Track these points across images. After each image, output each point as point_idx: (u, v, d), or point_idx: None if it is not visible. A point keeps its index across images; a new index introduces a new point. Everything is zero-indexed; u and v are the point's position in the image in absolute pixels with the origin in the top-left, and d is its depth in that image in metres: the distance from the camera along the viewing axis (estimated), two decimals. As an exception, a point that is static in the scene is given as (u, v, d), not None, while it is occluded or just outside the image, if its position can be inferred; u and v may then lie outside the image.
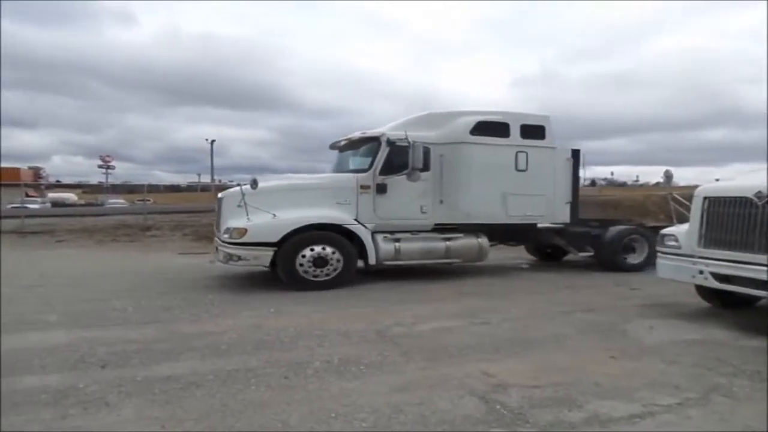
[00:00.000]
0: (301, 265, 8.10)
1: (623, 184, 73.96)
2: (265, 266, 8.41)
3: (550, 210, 10.14)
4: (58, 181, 56.68)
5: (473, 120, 9.54)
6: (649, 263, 9.90)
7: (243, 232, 8.00)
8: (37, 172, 54.19)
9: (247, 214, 8.06)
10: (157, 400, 3.83)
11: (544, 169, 9.97)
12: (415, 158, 8.68)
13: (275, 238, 8.05)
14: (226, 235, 8.14)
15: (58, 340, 5.34)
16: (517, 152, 9.75)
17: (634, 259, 10.47)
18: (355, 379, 4.24)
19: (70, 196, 47.96)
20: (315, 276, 8.17)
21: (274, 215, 8.13)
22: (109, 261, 12.26)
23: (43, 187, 44.24)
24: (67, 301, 7.36)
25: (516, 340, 5.41)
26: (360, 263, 8.79)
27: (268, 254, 8.08)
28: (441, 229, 9.40)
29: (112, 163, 58.01)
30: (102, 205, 39.12)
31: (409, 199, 9.08)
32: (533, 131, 9.95)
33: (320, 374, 4.37)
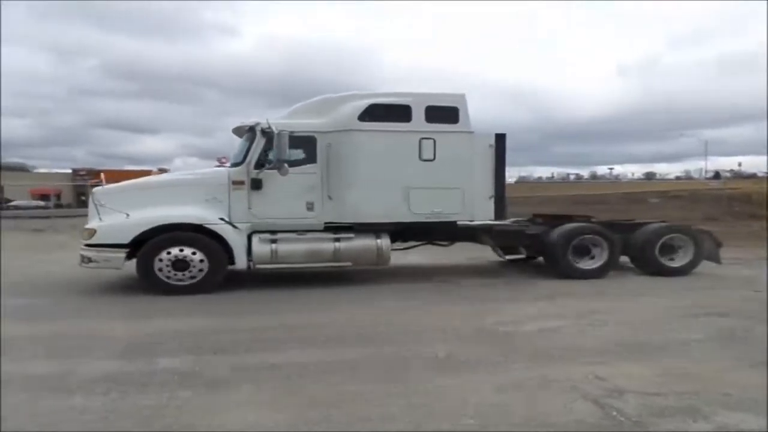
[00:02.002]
0: (161, 269, 7.51)
1: (753, 176, 66.57)
2: (119, 269, 7.78)
3: (468, 206, 8.48)
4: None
5: (363, 104, 8.20)
6: (608, 269, 8.82)
7: (92, 232, 7.57)
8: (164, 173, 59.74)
9: (99, 214, 7.64)
10: (265, 386, 4.03)
11: (458, 159, 8.39)
12: (281, 149, 7.68)
13: (126, 240, 7.49)
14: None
15: (179, 326, 5.81)
16: (421, 139, 8.25)
17: (588, 263, 8.84)
18: (455, 376, 4.20)
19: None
20: (178, 280, 7.56)
21: (128, 215, 7.59)
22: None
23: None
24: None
25: (630, 343, 5.06)
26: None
27: (119, 256, 7.52)
28: (336, 228, 8.24)
29: (227, 164, 62.38)
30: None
31: (292, 196, 8.06)
32: (443, 114, 8.38)
33: (419, 370, 4.36)
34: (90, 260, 7.54)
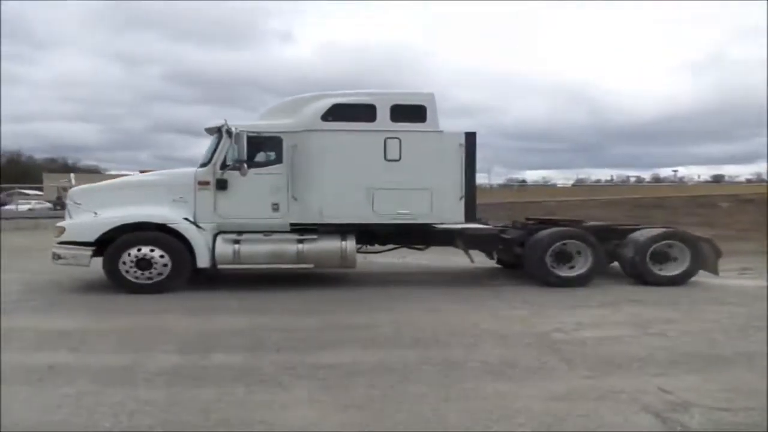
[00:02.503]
0: (126, 269, 7.59)
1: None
2: (86, 266, 7.82)
3: (436, 207, 8.11)
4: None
5: (327, 103, 8.06)
6: (591, 276, 8.26)
7: (62, 230, 7.82)
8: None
9: (69, 213, 7.98)
10: (323, 385, 4.12)
11: (425, 159, 8.08)
12: (239, 150, 7.70)
13: (91, 238, 7.63)
14: None
15: (241, 324, 6.00)
16: (386, 139, 7.99)
17: (568, 270, 8.28)
18: (512, 382, 4.14)
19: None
20: (144, 278, 7.64)
21: (95, 214, 7.80)
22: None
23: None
24: (246, 289, 8.18)
25: (698, 356, 4.82)
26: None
27: (85, 254, 7.66)
28: (302, 229, 8.11)
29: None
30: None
31: (257, 196, 7.99)
32: (409, 113, 8.11)
33: (476, 374, 4.33)
34: (60, 257, 7.77)
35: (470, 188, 8.27)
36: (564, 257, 8.28)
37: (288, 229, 8.07)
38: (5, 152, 63.91)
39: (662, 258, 8.45)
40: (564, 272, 8.22)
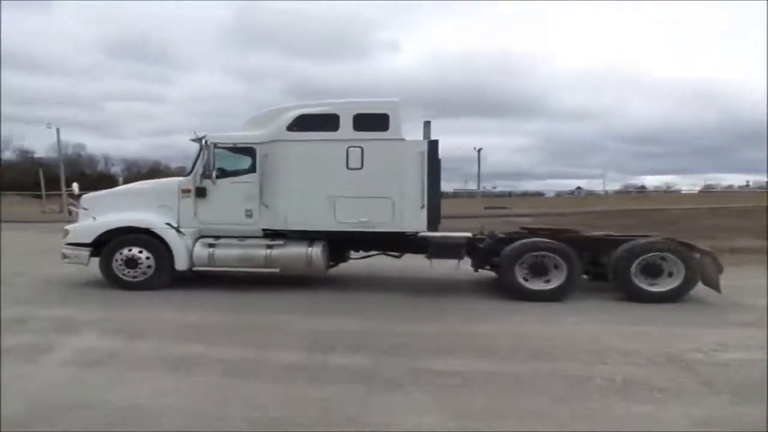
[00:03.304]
0: (117, 266, 8.32)
1: None
2: (85, 265, 8.57)
3: (398, 215, 7.98)
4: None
5: (293, 114, 8.23)
6: (566, 290, 7.62)
7: (66, 232, 8.63)
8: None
9: (77, 217, 8.83)
10: (441, 391, 4.10)
11: (387, 167, 7.99)
12: (209, 160, 8.16)
13: (88, 239, 8.42)
14: None
15: (355, 327, 6.16)
16: (348, 147, 8.01)
17: (543, 283, 7.71)
18: (646, 404, 3.83)
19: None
20: (133, 276, 8.31)
21: (94, 218, 8.62)
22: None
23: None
24: (355, 292, 8.37)
25: None
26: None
27: (84, 254, 8.44)
28: (274, 235, 8.37)
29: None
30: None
31: (233, 203, 8.36)
32: (372, 122, 8.03)
33: (603, 392, 4.07)
34: (65, 256, 8.61)
35: (433, 196, 8.12)
36: (540, 269, 7.79)
37: (260, 234, 8.42)
38: (149, 161, 71.77)
39: (654, 272, 7.61)
40: (537, 285, 7.75)
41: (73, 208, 9.25)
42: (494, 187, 70.73)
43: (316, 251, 8.17)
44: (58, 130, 44.36)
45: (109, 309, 7.02)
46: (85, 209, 8.96)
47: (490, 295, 8.02)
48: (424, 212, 8.02)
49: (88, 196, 9.34)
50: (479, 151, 63.41)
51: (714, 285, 7.51)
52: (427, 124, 8.80)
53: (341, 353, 5.09)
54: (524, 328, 6.10)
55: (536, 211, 29.60)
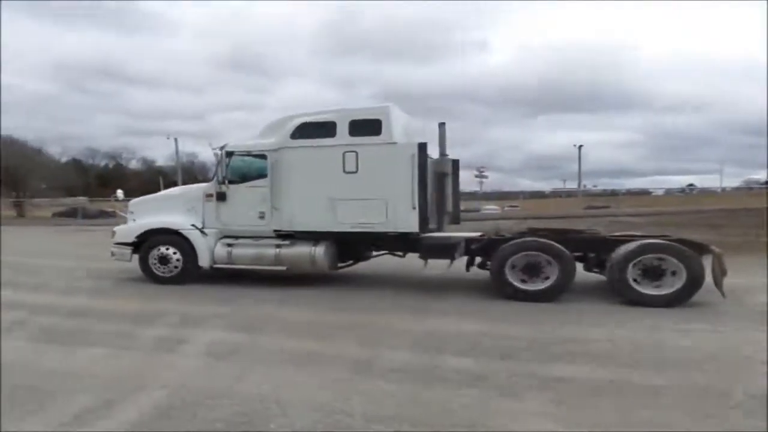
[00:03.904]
0: (153, 263, 9.37)
1: None
2: (128, 261, 9.66)
3: (391, 216, 8.27)
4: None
5: (296, 122, 8.80)
6: (556, 291, 7.52)
7: (113, 233, 9.89)
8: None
9: (126, 220, 10.08)
10: (556, 398, 3.98)
11: (380, 170, 8.30)
12: (221, 167, 9.08)
13: (130, 239, 9.58)
14: None
15: (464, 328, 6.12)
16: (344, 152, 8.42)
17: (531, 283, 7.65)
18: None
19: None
20: (164, 272, 9.32)
21: (134, 220, 9.83)
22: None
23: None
24: (460, 295, 8.24)
25: None
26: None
27: (127, 252, 9.60)
28: (284, 235, 8.94)
29: (486, 173, 63.71)
30: (478, 210, 43.37)
31: (249, 206, 9.06)
32: (366, 127, 8.38)
33: (748, 409, 3.73)
34: (113, 254, 9.82)
35: (423, 197, 8.25)
36: (533, 270, 7.70)
37: (272, 234, 9.00)
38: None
39: (654, 274, 7.21)
40: (528, 285, 7.68)
41: (119, 212, 10.54)
42: (595, 186, 67.30)
43: (319, 251, 8.69)
44: (176, 141, 48.53)
45: (228, 305, 7.53)
46: (132, 212, 10.16)
47: (602, 298, 7.61)
48: (416, 213, 8.21)
49: (134, 201, 10.54)
50: (580, 148, 60.60)
51: (719, 288, 7.11)
52: (441, 126, 9.31)
53: (453, 355, 5.09)
54: (629, 334, 5.74)
55: (644, 210, 27.64)
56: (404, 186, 8.24)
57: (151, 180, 57.80)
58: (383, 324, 6.40)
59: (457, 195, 9.85)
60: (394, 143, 8.32)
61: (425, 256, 8.59)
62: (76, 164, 66.77)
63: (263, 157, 9.01)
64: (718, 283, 7.11)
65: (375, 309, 7.22)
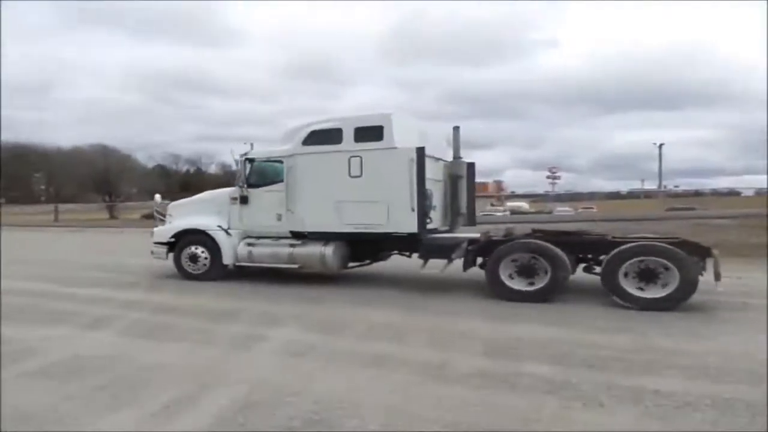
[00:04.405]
0: (185, 261, 10.17)
1: None
2: (165, 259, 10.53)
3: (392, 218, 8.59)
4: (513, 192, 64.28)
5: (307, 130, 9.33)
6: (548, 292, 7.56)
7: (152, 234, 10.78)
8: (499, 185, 63.04)
9: (164, 221, 10.99)
10: (650, 412, 3.72)
11: (382, 173, 8.65)
12: (241, 174, 9.81)
13: (165, 239, 10.43)
14: None
15: (545, 334, 5.90)
16: (350, 157, 8.85)
17: (524, 284, 7.78)
18: None
19: (523, 205, 53.66)
20: (194, 270, 10.10)
21: (170, 222, 10.75)
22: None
23: (502, 197, 51.22)
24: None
25: None
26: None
27: (163, 250, 10.45)
28: (298, 236, 9.49)
29: (558, 174, 61.68)
30: (550, 212, 42.10)
31: (268, 209, 9.64)
32: (369, 133, 8.75)
33: None
34: (152, 252, 10.67)
35: (421, 199, 8.47)
36: (528, 271, 7.78)
37: (289, 235, 9.57)
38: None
39: (648, 276, 7.11)
40: (521, 285, 7.78)
41: (156, 214, 11.66)
42: (677, 186, 63.40)
43: (329, 251, 9.11)
44: (252, 146, 50.42)
45: (304, 305, 7.69)
46: (170, 215, 11.06)
47: (690, 307, 7.11)
48: (415, 215, 8.46)
49: (172, 204, 11.52)
50: (660, 146, 57.23)
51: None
52: (456, 129, 9.72)
53: (530, 362, 4.90)
54: (742, 348, 5.29)
55: (731, 212, 25.56)
56: (404, 189, 8.51)
57: (228, 183, 60.51)
58: (458, 328, 6.28)
59: (472, 196, 10.28)
60: (395, 148, 8.60)
61: (425, 257, 8.83)
62: (161, 169, 71.34)
63: (280, 162, 9.62)
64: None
65: (450, 312, 7.11)
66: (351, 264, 9.68)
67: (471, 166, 10.06)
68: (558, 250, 7.62)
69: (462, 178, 9.80)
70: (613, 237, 7.95)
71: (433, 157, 9.19)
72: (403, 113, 9.29)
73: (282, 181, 9.56)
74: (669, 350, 5.22)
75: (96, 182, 62.69)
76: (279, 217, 9.64)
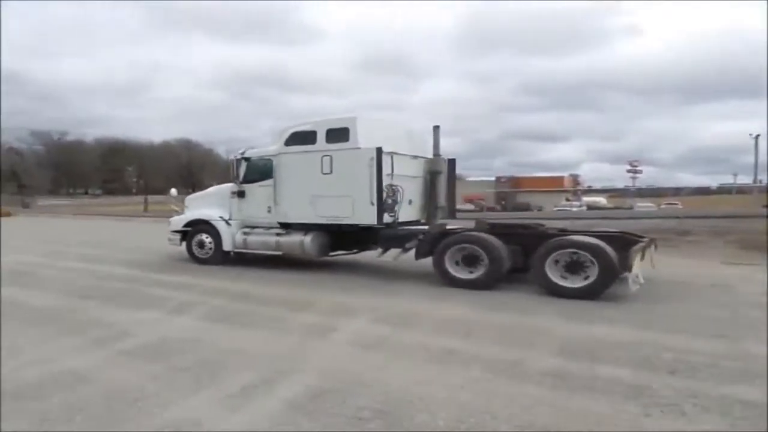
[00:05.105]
0: (194, 246, 11.72)
1: None
2: (179, 246, 12.13)
3: (356, 211, 9.49)
4: (589, 186, 61.65)
5: (288, 132, 10.26)
6: (485, 281, 8.23)
7: (169, 223, 12.43)
8: (575, 180, 60.64)
9: (180, 212, 12.55)
10: (738, 424, 3.48)
11: (348, 171, 9.52)
12: (237, 171, 11.11)
13: (178, 228, 12.06)
14: None
15: (623, 336, 5.64)
16: (322, 156, 9.75)
17: (464, 272, 8.54)
18: None
19: (601, 200, 51.27)
20: (201, 255, 11.60)
21: (183, 213, 12.30)
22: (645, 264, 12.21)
23: (579, 192, 49.27)
24: (625, 300, 7.69)
25: None
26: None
27: (177, 238, 12.11)
28: (285, 226, 10.52)
29: (639, 167, 58.42)
30: (631, 208, 40.04)
31: (260, 202, 10.78)
32: (338, 134, 9.63)
33: None
34: (169, 240, 12.29)
35: (379, 194, 9.21)
36: (471, 260, 8.50)
37: (277, 225, 10.64)
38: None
39: (573, 268, 7.69)
40: (463, 274, 8.54)
41: (173, 207, 13.39)
42: (776, 180, 58.27)
43: (307, 239, 10.10)
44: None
45: (377, 298, 7.79)
46: (187, 207, 12.56)
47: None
48: (374, 208, 9.23)
49: (189, 197, 13.11)
50: (756, 138, 52.77)
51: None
52: (435, 129, 10.63)
53: (609, 364, 4.71)
54: None
55: None
56: (365, 185, 9.30)
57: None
58: (534, 326, 6.13)
59: (453, 191, 11.15)
60: (358, 148, 9.38)
61: (383, 246, 9.80)
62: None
63: (270, 161, 10.64)
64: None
65: (528, 311, 6.94)
66: (334, 253, 10.64)
67: (452, 163, 10.99)
68: (494, 241, 8.32)
69: (440, 174, 10.65)
70: (549, 231, 8.79)
71: (409, 156, 10.21)
72: (369, 117, 10.15)
73: (272, 177, 10.57)
74: (761, 356, 4.83)
75: (181, 175, 66.63)
76: (269, 210, 10.73)
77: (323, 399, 4.02)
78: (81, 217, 40.21)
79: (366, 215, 9.39)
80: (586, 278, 7.54)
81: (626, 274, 7.40)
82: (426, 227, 9.85)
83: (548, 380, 4.35)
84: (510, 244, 8.37)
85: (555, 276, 7.74)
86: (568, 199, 45.81)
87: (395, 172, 9.66)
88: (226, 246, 11.22)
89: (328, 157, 9.75)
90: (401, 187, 9.79)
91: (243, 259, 11.28)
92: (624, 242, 7.97)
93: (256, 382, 4.39)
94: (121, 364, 4.96)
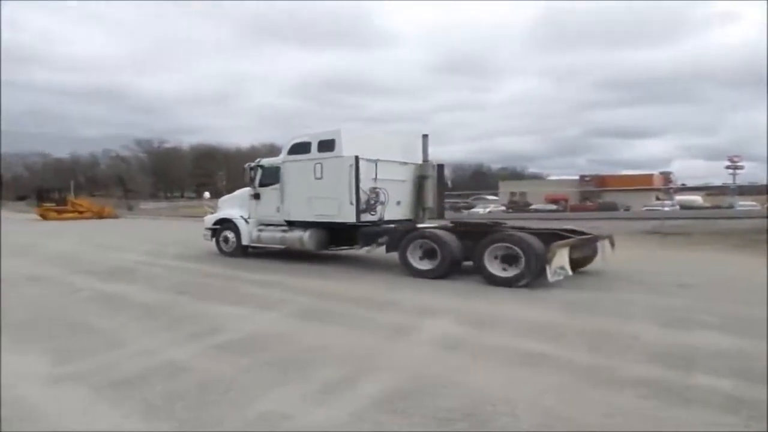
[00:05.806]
0: (221, 242, 13.67)
1: None
2: (210, 241, 14.10)
3: (341, 210, 10.87)
4: (683, 184, 57.37)
5: (290, 143, 12.12)
6: (439, 271, 9.50)
7: (204, 221, 14.42)
8: (666, 177, 56.76)
9: (214, 211, 14.51)
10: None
11: (334, 176, 10.97)
12: (253, 176, 13.03)
13: (209, 225, 14.12)
14: None
15: (724, 344, 5.28)
16: (315, 164, 11.36)
17: (426, 264, 9.85)
18: None
19: (697, 199, 47.71)
20: (225, 249, 13.55)
21: (214, 212, 14.31)
22: (746, 267, 11.28)
23: (671, 190, 46.00)
24: (722, 304, 7.22)
25: None
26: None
27: (208, 233, 14.17)
28: (289, 224, 12.24)
29: (740, 163, 53.63)
30: (731, 207, 37.02)
31: (272, 203, 12.53)
32: (327, 145, 11.23)
33: None
34: (204, 236, 14.24)
35: (357, 196, 10.59)
36: (430, 254, 9.74)
37: (284, 223, 12.31)
38: (471, 165, 78.51)
39: (508, 260, 8.78)
40: (423, 266, 9.79)
41: (207, 208, 15.25)
42: None
43: (306, 235, 11.65)
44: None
45: (459, 299, 7.77)
46: (219, 207, 14.45)
47: None
48: (353, 207, 10.63)
49: (222, 199, 14.94)
50: None
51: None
52: (424, 137, 12.00)
53: (706, 374, 4.43)
54: None
55: None
56: (346, 187, 10.71)
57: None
58: (625, 331, 5.86)
59: (442, 193, 12.74)
60: (342, 156, 10.88)
61: (362, 241, 11.03)
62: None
63: (278, 168, 12.32)
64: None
65: (621, 315, 6.67)
66: (333, 247, 12.14)
67: (440, 168, 12.38)
68: (447, 237, 9.56)
69: (428, 178, 11.95)
70: (495, 228, 9.71)
71: (397, 162, 11.61)
72: (354, 129, 11.83)
73: (278, 181, 12.30)
74: None
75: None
76: (277, 209, 12.42)
77: (403, 398, 4.06)
78: (175, 218, 43.01)
79: (348, 214, 10.83)
80: (516, 269, 8.62)
81: (546, 266, 8.27)
82: (392, 226, 11.02)
83: (641, 389, 4.15)
84: (464, 239, 9.55)
85: (494, 267, 8.87)
86: (658, 198, 42.95)
87: (380, 176, 11.05)
88: (245, 241, 13.12)
89: (320, 165, 11.37)
90: (385, 190, 11.16)
91: (323, 257, 12.11)
92: (552, 239, 8.89)
93: (339, 378, 4.50)
94: (212, 356, 5.26)
